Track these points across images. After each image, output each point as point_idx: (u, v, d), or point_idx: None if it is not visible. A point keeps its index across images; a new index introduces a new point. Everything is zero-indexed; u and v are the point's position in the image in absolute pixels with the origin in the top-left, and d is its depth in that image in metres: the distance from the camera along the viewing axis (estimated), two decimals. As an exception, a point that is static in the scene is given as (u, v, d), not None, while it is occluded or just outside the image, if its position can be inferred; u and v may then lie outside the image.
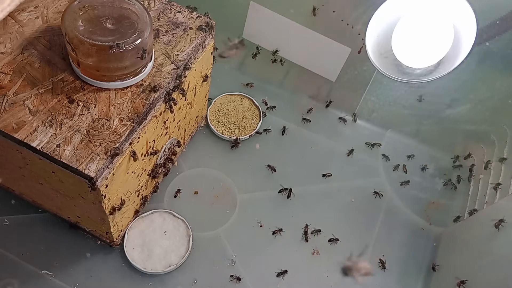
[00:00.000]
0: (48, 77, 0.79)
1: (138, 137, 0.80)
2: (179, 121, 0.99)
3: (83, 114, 0.77)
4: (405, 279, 1.07)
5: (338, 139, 1.26)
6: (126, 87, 0.80)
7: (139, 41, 0.75)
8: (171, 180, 1.12)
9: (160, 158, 0.97)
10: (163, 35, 0.88)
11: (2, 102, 0.75)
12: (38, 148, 0.72)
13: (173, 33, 0.89)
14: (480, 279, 0.92)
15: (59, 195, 0.86)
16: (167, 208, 1.07)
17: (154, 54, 0.85)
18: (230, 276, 1.01)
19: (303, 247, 1.08)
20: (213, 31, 0.92)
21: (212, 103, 1.23)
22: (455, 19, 1.00)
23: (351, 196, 1.17)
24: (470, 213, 1.07)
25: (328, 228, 1.11)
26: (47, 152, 0.72)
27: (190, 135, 1.15)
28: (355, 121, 1.28)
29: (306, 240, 1.07)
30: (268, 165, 1.17)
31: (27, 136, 0.73)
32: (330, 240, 1.09)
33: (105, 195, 0.78)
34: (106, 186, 0.76)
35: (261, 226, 1.09)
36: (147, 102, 0.79)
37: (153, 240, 1.01)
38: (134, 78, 0.80)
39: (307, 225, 1.09)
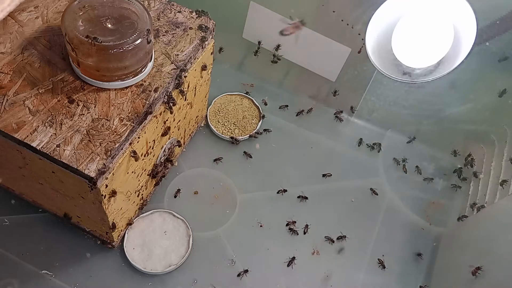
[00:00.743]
0: (48, 77, 0.79)
1: (138, 137, 0.80)
2: (179, 121, 0.99)
3: (83, 114, 0.77)
4: (405, 279, 1.07)
5: (338, 139, 1.26)
6: (126, 87, 0.80)
7: (139, 41, 0.75)
8: (171, 180, 1.12)
9: (160, 158, 0.97)
10: (163, 35, 0.88)
11: (2, 102, 0.75)
12: (38, 148, 0.72)
13: (173, 33, 0.89)
14: (480, 279, 0.92)
15: (59, 195, 0.86)
16: (167, 208, 1.07)
17: (154, 54, 0.85)
18: (237, 275, 1.01)
19: (303, 247, 1.08)
20: (213, 31, 0.93)
21: (212, 103, 1.23)
22: (455, 19, 0.99)
23: (351, 196, 1.17)
24: (478, 209, 1.05)
25: (328, 228, 1.11)
26: (47, 152, 0.72)
27: (190, 135, 1.15)
28: (353, 112, 1.28)
29: (288, 265, 1.05)
30: (244, 152, 1.18)
31: (27, 136, 0.73)
32: (339, 238, 1.09)
33: (105, 195, 0.78)
34: (106, 186, 0.76)
35: (261, 226, 1.09)
36: (147, 102, 0.79)
37: (153, 240, 1.01)
38: (134, 78, 0.80)
39: (307, 225, 1.09)
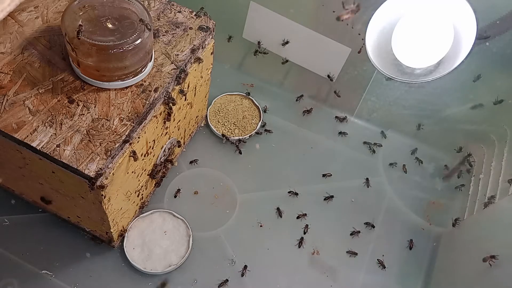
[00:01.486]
0: (48, 77, 0.79)
1: (138, 137, 0.80)
2: (179, 121, 0.99)
3: (83, 114, 0.77)
4: (405, 279, 1.07)
5: (338, 139, 1.26)
6: (126, 87, 0.80)
7: (139, 41, 0.75)
8: (171, 180, 1.12)
9: (160, 158, 0.97)
10: (163, 35, 0.88)
11: (2, 102, 0.75)
12: (38, 148, 0.72)
13: (173, 33, 0.89)
14: (480, 279, 0.92)
15: (59, 195, 0.86)
16: (167, 208, 1.07)
17: (154, 54, 0.85)
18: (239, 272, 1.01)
19: (303, 247, 1.08)
20: (213, 31, 0.93)
21: (212, 103, 1.23)
22: (455, 19, 0.99)
23: (351, 196, 1.17)
24: (485, 204, 1.04)
25: (328, 228, 1.11)
26: (47, 152, 0.72)
27: (190, 135, 1.15)
28: (346, 121, 1.29)
29: (299, 246, 1.07)
30: (236, 146, 1.18)
31: (27, 136, 0.73)
32: (352, 234, 1.10)
33: (105, 195, 0.78)
34: (106, 186, 0.76)
35: (261, 226, 1.09)
36: (147, 102, 0.79)
37: (153, 240, 1.01)
38: (134, 78, 0.80)
39: (307, 225, 1.09)
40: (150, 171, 0.95)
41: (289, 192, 1.14)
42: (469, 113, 1.19)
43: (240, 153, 1.18)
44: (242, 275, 1.01)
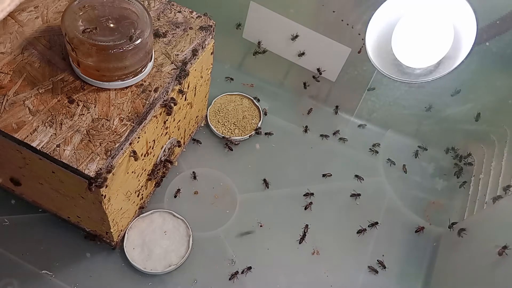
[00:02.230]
0: (48, 77, 0.79)
1: (138, 137, 0.80)
2: (179, 121, 0.99)
3: (83, 114, 0.77)
4: (405, 279, 1.07)
5: (338, 139, 1.26)
6: (126, 87, 0.80)
7: (139, 41, 0.75)
8: (171, 180, 1.12)
9: (160, 158, 0.97)
10: (163, 35, 0.88)
11: (2, 102, 0.75)
12: (38, 148, 0.72)
13: (173, 33, 0.89)
14: (480, 279, 0.92)
15: (59, 195, 0.86)
16: (167, 208, 1.07)
17: (154, 54, 0.85)
18: (231, 275, 1.01)
19: (303, 247, 1.08)
20: (213, 31, 0.92)
21: (212, 103, 1.23)
22: (455, 19, 0.99)
23: (352, 196, 1.16)
24: (494, 199, 1.02)
25: (328, 228, 1.11)
26: (47, 152, 0.72)
27: (190, 135, 1.15)
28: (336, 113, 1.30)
29: (300, 242, 1.07)
30: (226, 144, 1.18)
31: (27, 136, 0.73)
32: (358, 232, 1.10)
33: (105, 195, 0.78)
34: (106, 186, 0.76)
35: (261, 226, 1.09)
36: (147, 102, 0.79)
37: (153, 240, 1.01)
38: (134, 78, 0.80)
39: (307, 225, 1.09)
40: (150, 171, 0.95)
41: (305, 195, 1.14)
42: (469, 113, 1.19)
43: (231, 149, 1.18)
44: (242, 272, 1.01)
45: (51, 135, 0.73)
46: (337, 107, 1.29)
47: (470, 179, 1.19)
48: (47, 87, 0.78)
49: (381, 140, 1.27)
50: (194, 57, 0.88)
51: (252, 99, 1.26)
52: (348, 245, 1.10)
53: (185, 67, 0.86)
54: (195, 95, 1.01)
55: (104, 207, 0.80)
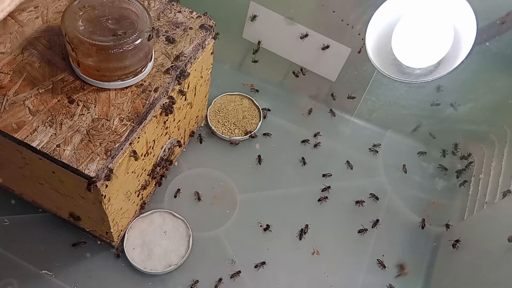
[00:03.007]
0: (48, 77, 0.79)
1: (138, 137, 0.80)
2: (179, 121, 0.99)
3: (83, 114, 0.77)
4: (405, 279, 1.07)
5: (338, 139, 1.26)
6: (126, 87, 0.80)
7: (139, 41, 0.75)
8: (171, 180, 1.12)
9: (160, 158, 0.97)
10: (163, 35, 0.88)
11: (2, 102, 0.75)
12: (38, 148, 0.72)
13: (173, 33, 0.89)
14: (480, 279, 0.92)
15: (59, 195, 0.86)
16: (167, 208, 1.07)
17: (154, 54, 0.85)
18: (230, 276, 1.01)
19: (303, 247, 1.08)
20: (213, 31, 0.92)
21: (212, 103, 1.23)
22: (455, 19, 0.99)
23: (351, 196, 1.16)
24: (504, 194, 1.01)
25: (328, 228, 1.11)
26: (47, 152, 0.72)
27: (190, 135, 1.15)
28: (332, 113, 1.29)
29: (300, 238, 1.08)
30: (199, 135, 1.18)
31: (27, 136, 0.73)
32: (360, 232, 1.10)
33: (105, 195, 0.78)
34: (106, 186, 0.76)
35: (261, 226, 1.09)
36: (147, 102, 0.79)
37: (153, 240, 1.01)
38: (134, 78, 0.80)
39: (307, 225, 1.09)
40: (150, 171, 0.95)
41: (322, 190, 1.15)
42: (469, 113, 1.19)
43: (237, 143, 1.19)
44: (232, 276, 1.01)
45: (51, 135, 0.73)
46: (331, 110, 1.29)
47: (470, 179, 1.19)
48: (47, 87, 0.78)
49: (381, 140, 1.27)
50: (194, 57, 0.88)
51: (252, 99, 1.26)
52: (348, 245, 1.10)
53: (185, 67, 0.86)
54: (195, 95, 1.01)
55: (104, 207, 0.80)
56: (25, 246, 0.98)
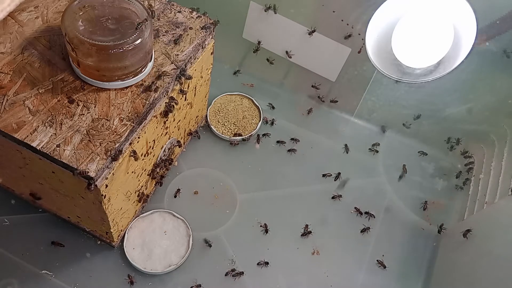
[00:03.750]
0: (48, 77, 0.79)
1: (138, 137, 0.80)
2: (179, 121, 0.99)
3: (83, 114, 0.77)
4: (405, 279, 1.07)
5: (338, 139, 1.26)
6: (126, 87, 0.80)
7: (139, 41, 0.75)
8: (171, 180, 1.12)
9: (160, 158, 0.97)
10: (163, 35, 0.88)
11: (2, 102, 0.75)
12: (38, 148, 0.72)
13: (173, 33, 0.89)
14: (480, 279, 0.92)
15: (59, 195, 0.86)
16: (167, 208, 1.07)
17: (154, 54, 0.85)
18: (232, 274, 1.01)
19: (303, 247, 1.08)
20: (213, 31, 0.92)
21: (212, 103, 1.23)
22: (455, 19, 0.99)
23: (351, 196, 1.16)
24: None
25: (328, 228, 1.11)
26: (47, 152, 0.72)
27: (190, 135, 1.15)
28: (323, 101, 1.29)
29: (302, 235, 1.08)
30: (196, 131, 1.15)
31: (27, 136, 0.73)
32: (362, 231, 1.11)
33: (105, 195, 0.78)
34: (106, 186, 0.76)
35: (261, 226, 1.09)
36: (147, 102, 0.79)
37: (153, 240, 1.01)
38: (134, 78, 0.80)
39: (307, 225, 1.09)
40: (150, 171, 0.95)
41: (333, 197, 1.15)
42: (469, 113, 1.19)
43: (237, 143, 1.18)
44: (231, 274, 1.01)
45: (51, 135, 0.73)
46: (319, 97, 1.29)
47: (470, 179, 1.19)
48: (47, 87, 0.78)
49: (381, 140, 1.27)
50: (194, 57, 0.88)
51: (252, 99, 1.26)
52: (348, 245, 1.10)
53: (185, 67, 0.86)
54: (195, 95, 1.01)
55: (104, 207, 0.80)
56: (25, 246, 0.98)
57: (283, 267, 1.04)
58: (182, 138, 1.08)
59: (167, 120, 0.90)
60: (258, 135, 1.21)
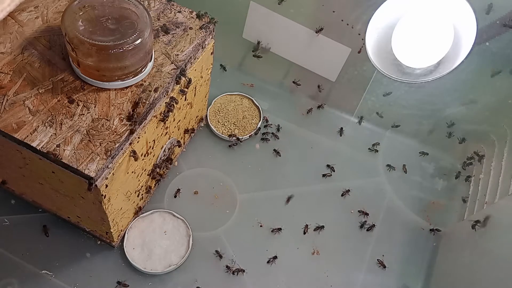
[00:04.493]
0: (48, 77, 0.79)
1: (138, 137, 0.80)
2: (179, 121, 0.99)
3: (83, 114, 0.77)
4: (405, 279, 1.07)
5: (338, 139, 1.26)
6: (126, 87, 0.80)
7: (139, 41, 0.75)
8: (171, 180, 1.12)
9: (160, 158, 0.97)
10: (163, 35, 0.88)
11: (2, 102, 0.75)
12: (38, 148, 0.72)
13: (173, 33, 0.89)
14: (480, 279, 0.92)
15: (59, 195, 0.86)
16: (167, 208, 1.07)
17: (154, 54, 0.85)
18: (231, 270, 1.01)
19: (303, 247, 1.08)
20: (213, 31, 0.92)
21: (212, 103, 1.23)
22: (455, 19, 0.99)
23: (351, 196, 1.16)
24: None
25: (328, 228, 1.11)
26: (47, 152, 0.72)
27: (190, 135, 1.15)
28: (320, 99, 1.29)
29: (304, 232, 1.09)
30: (191, 129, 1.13)
31: (27, 136, 0.73)
32: (368, 229, 1.11)
33: (105, 195, 0.78)
34: (106, 186, 0.76)
35: (261, 226, 1.09)
36: (147, 102, 0.79)
37: (153, 240, 1.01)
38: (134, 78, 0.80)
39: (307, 225, 1.09)
40: (150, 171, 0.95)
41: (342, 195, 1.16)
42: (469, 113, 1.19)
43: (236, 144, 1.18)
44: (233, 272, 1.01)
45: (51, 135, 0.73)
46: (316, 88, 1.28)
47: (470, 179, 1.19)
48: (47, 87, 0.78)
49: (381, 140, 1.27)
50: (194, 57, 0.88)
51: (252, 99, 1.26)
52: (348, 245, 1.10)
53: (185, 67, 0.86)
54: (195, 95, 1.01)
55: (104, 207, 0.80)
56: (25, 246, 0.98)
57: (283, 267, 1.04)
58: (182, 138, 1.08)
59: (167, 120, 0.90)
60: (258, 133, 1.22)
